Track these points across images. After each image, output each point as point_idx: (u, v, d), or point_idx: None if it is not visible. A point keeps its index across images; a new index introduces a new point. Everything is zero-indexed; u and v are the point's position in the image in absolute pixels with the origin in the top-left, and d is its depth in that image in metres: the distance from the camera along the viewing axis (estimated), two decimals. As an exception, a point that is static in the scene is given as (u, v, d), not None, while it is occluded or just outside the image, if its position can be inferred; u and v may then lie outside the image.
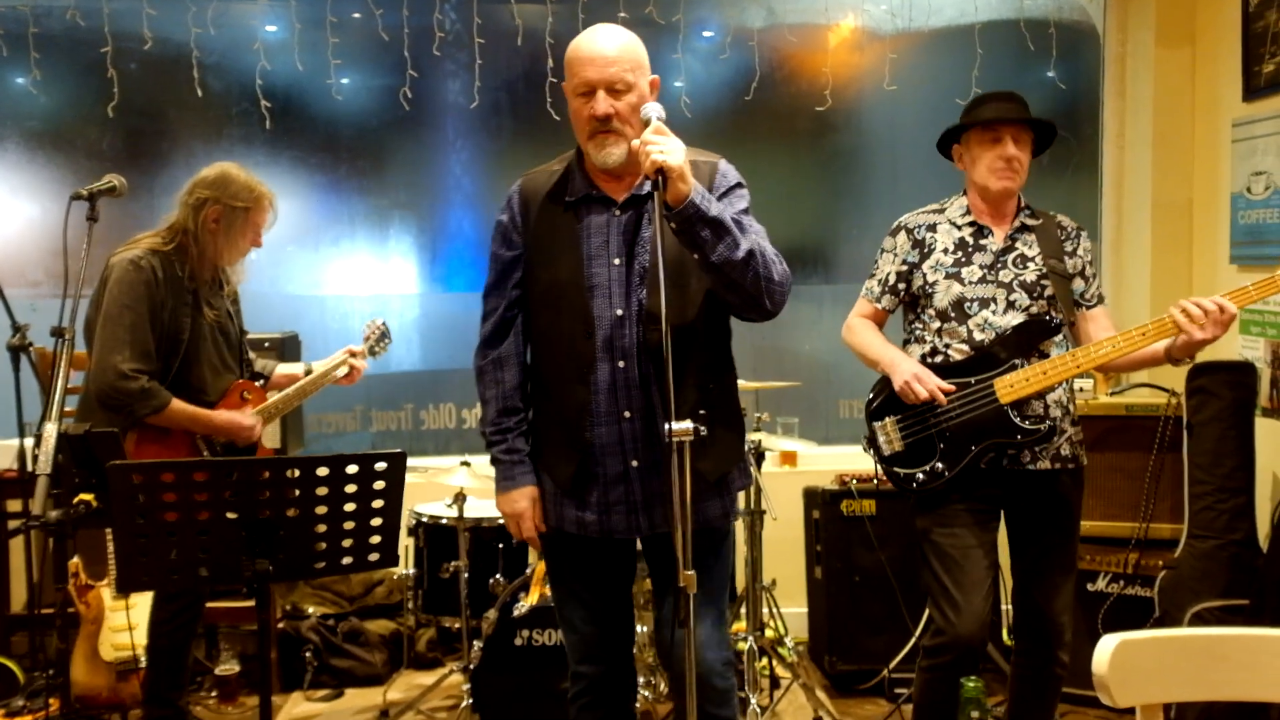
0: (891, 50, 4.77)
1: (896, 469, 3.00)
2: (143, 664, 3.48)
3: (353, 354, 3.64)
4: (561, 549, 2.58)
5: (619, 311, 2.41)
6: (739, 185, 2.50)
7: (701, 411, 2.35)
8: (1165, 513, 3.81)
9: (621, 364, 2.41)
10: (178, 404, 3.18)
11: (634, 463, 2.44)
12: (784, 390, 4.37)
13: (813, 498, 4.24)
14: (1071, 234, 3.02)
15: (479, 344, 2.58)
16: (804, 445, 4.58)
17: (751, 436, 4.02)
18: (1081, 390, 3.95)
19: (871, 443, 3.05)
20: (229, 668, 4.05)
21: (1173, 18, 4.40)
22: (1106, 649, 1.61)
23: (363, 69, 4.73)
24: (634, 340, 2.40)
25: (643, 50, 2.42)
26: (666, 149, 2.20)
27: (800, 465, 4.66)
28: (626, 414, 2.42)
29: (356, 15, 4.62)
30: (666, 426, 2.08)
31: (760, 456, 3.99)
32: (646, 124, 2.28)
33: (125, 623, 3.56)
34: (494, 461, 2.56)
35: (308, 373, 3.61)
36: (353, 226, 4.93)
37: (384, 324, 3.78)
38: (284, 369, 3.67)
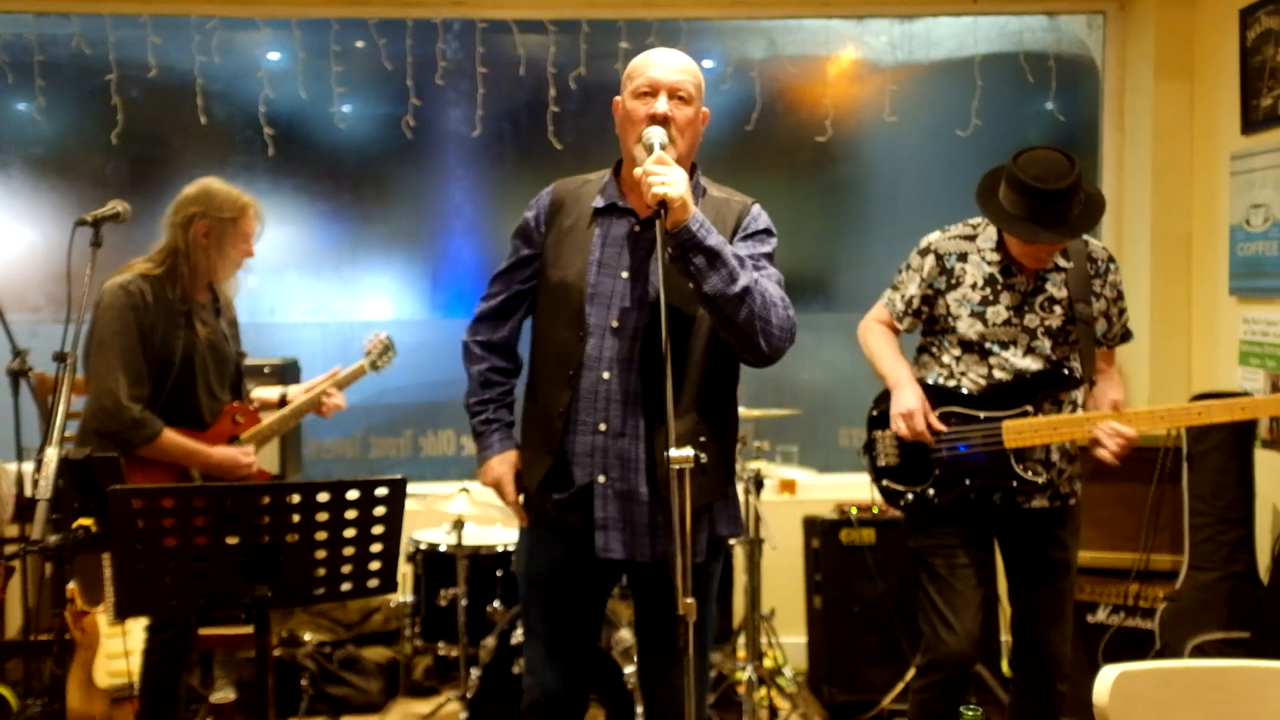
0: (891, 82, 4.80)
1: (887, 482, 2.99)
2: (137, 691, 3.45)
3: (339, 383, 3.59)
4: (536, 561, 2.56)
5: (614, 323, 2.42)
6: (767, 232, 2.51)
7: (702, 439, 2.36)
8: (1165, 544, 3.81)
9: (605, 375, 2.42)
10: (170, 435, 3.13)
11: (600, 478, 2.43)
12: (783, 418, 4.37)
13: (812, 526, 4.23)
14: (1101, 268, 2.92)
15: (472, 320, 2.62)
16: (803, 473, 4.58)
17: (750, 464, 4.02)
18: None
19: (868, 450, 3.03)
20: (224, 695, 4.02)
21: (1171, 52, 4.44)
22: (1107, 680, 1.61)
23: (365, 97, 4.76)
24: (622, 354, 2.41)
25: (704, 80, 2.47)
26: (668, 179, 2.22)
27: (800, 494, 4.65)
28: (601, 426, 2.42)
29: (360, 44, 4.65)
30: (666, 454, 2.07)
31: (759, 484, 3.98)
32: (650, 149, 2.30)
33: (120, 649, 3.54)
34: (475, 434, 2.59)
35: (282, 399, 3.57)
36: (354, 253, 4.94)
37: (388, 337, 3.73)
38: (260, 392, 3.60)
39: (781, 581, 4.33)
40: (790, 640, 4.33)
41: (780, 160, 4.91)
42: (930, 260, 2.95)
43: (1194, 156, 4.43)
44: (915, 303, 2.98)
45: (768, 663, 4.10)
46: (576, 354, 2.43)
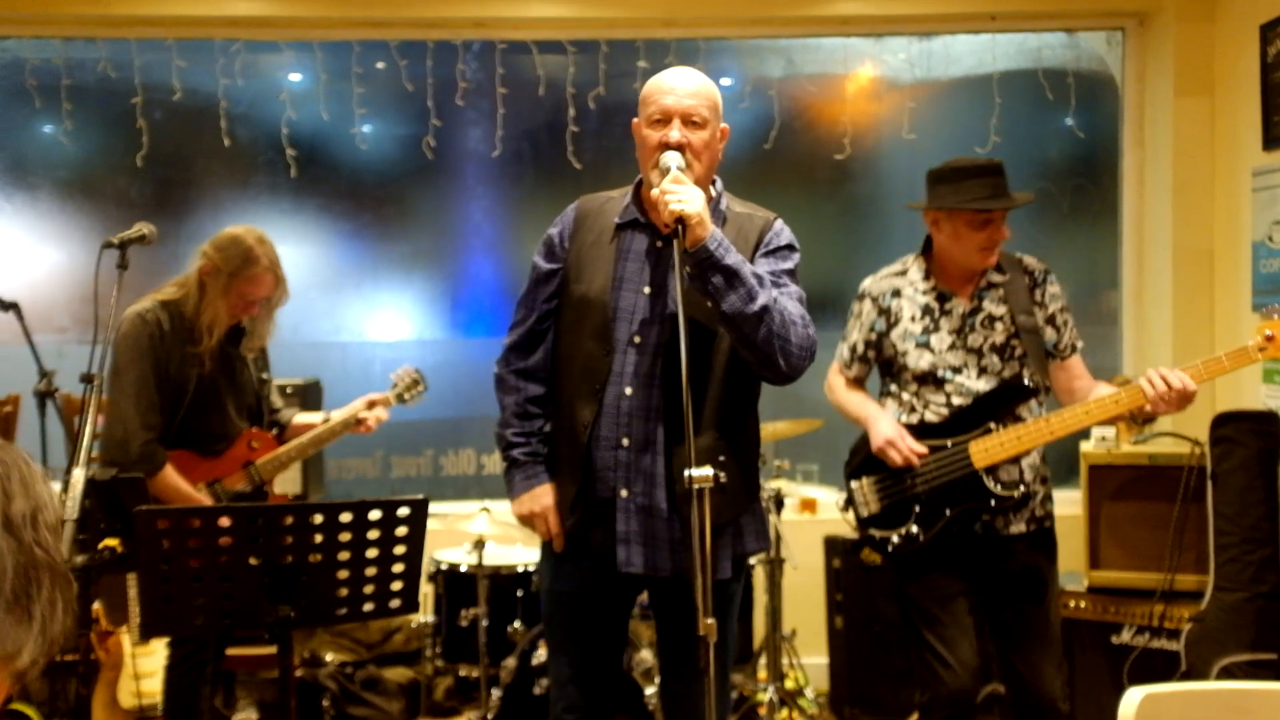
0: (910, 99, 4.80)
1: (872, 531, 2.99)
2: (161, 710, 3.47)
3: (371, 404, 3.57)
4: (560, 579, 2.56)
5: (637, 339, 2.43)
6: (789, 248, 2.51)
7: (721, 458, 2.36)
8: (1190, 564, 3.77)
9: (628, 390, 2.42)
10: (169, 475, 3.15)
11: (622, 493, 2.43)
12: (804, 437, 4.36)
13: (833, 546, 4.21)
14: (1039, 279, 2.96)
15: (503, 350, 2.61)
16: (824, 492, 4.56)
17: (771, 483, 4.01)
18: (1104, 439, 3.93)
19: (849, 503, 3.04)
20: (247, 716, 4.03)
21: (1191, 68, 4.42)
22: (1132, 702, 1.60)
23: (386, 118, 4.80)
24: (643, 370, 2.42)
25: (720, 98, 2.46)
26: (684, 198, 2.23)
27: (820, 513, 4.63)
28: (624, 441, 2.42)
29: (381, 65, 4.69)
30: (686, 473, 2.08)
31: (780, 503, 3.97)
32: (666, 172, 2.31)
33: (144, 670, 3.56)
34: (513, 463, 2.56)
35: (325, 422, 3.59)
36: (375, 273, 4.97)
37: (417, 371, 3.62)
38: (302, 418, 3.64)
39: (802, 601, 4.32)
40: (812, 661, 4.31)
41: (799, 178, 4.92)
42: (867, 304, 3.02)
43: (1215, 173, 4.40)
44: (860, 348, 3.04)
45: (789, 683, 4.08)
46: (603, 369, 2.43)
